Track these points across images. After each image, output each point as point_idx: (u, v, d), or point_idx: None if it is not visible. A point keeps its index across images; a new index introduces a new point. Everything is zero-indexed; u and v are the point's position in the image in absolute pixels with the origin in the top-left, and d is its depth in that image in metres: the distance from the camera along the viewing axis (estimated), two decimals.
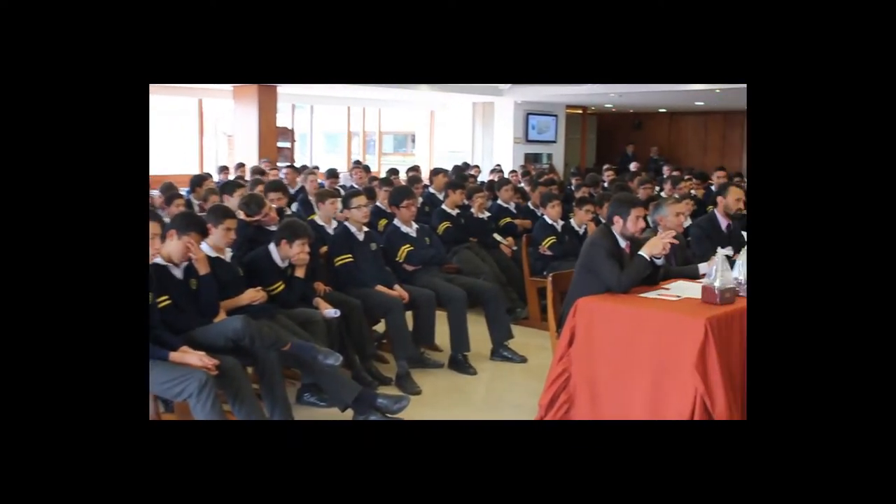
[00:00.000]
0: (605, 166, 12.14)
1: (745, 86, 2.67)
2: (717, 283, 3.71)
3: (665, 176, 10.28)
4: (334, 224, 5.57)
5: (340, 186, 9.43)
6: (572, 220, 6.51)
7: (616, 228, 4.18)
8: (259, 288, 4.27)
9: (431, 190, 8.37)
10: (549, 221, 6.40)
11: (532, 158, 15.62)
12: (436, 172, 8.82)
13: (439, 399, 4.65)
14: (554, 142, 16.22)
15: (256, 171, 9.45)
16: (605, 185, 9.65)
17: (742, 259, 3.95)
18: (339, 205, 5.52)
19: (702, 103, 15.87)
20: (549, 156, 16.18)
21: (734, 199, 5.46)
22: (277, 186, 6.27)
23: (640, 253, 4.02)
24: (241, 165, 10.87)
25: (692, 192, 8.79)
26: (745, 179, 9.73)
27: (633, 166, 13.40)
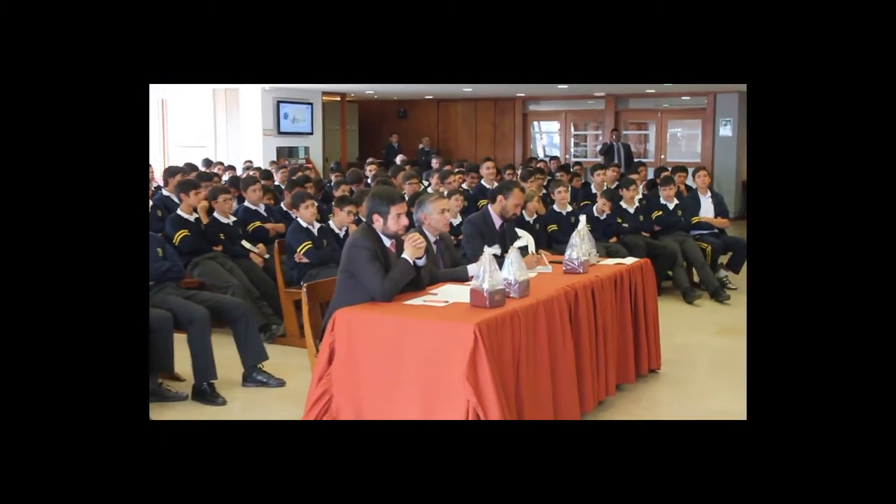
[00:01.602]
0: (369, 160, 12.32)
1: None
2: (485, 286, 3.90)
3: (434, 168, 10.63)
4: None
5: None
6: (331, 222, 6.56)
7: (377, 227, 4.28)
8: None
9: (166, 192, 8.07)
10: (304, 224, 6.41)
11: (287, 152, 15.52)
12: (171, 173, 8.52)
13: None
14: (311, 133, 16.21)
15: None
16: (369, 180, 9.81)
17: (512, 257, 4.18)
18: None
19: (470, 89, 16.56)
20: (307, 149, 16.15)
21: (514, 203, 5.73)
22: None
23: (403, 256, 4.14)
24: None
25: (463, 186, 9.17)
26: (517, 172, 10.30)
27: (398, 159, 13.70)
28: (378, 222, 4.28)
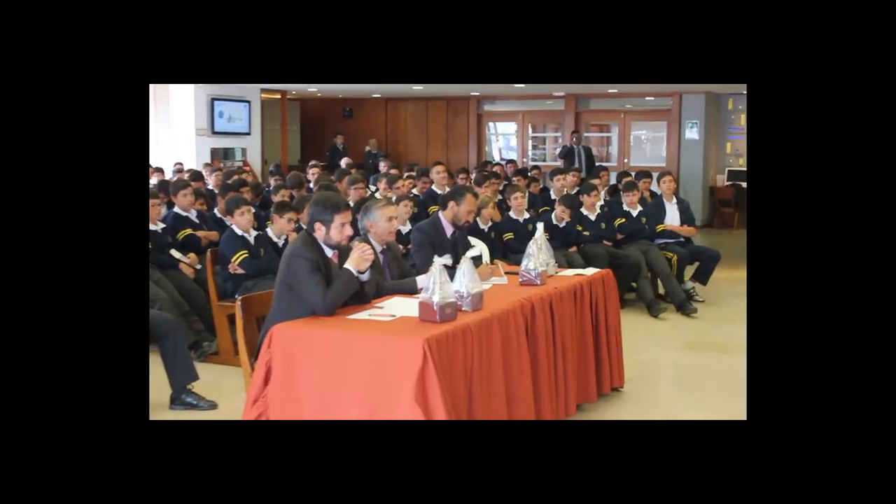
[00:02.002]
0: (312, 162, 12.28)
1: None
2: (435, 298, 3.87)
3: (381, 172, 10.60)
4: None
5: None
6: (269, 230, 6.49)
7: (319, 236, 4.22)
8: None
9: None
10: (239, 232, 6.33)
11: (222, 154, 15.37)
12: None
13: None
14: (248, 133, 16.09)
15: None
16: (311, 185, 9.75)
17: (464, 268, 4.15)
18: None
19: (421, 88, 16.57)
20: (244, 150, 16.02)
21: (467, 209, 5.69)
22: None
23: (346, 266, 4.10)
24: None
25: (413, 191, 9.15)
26: (470, 176, 10.30)
27: (343, 162, 13.65)
28: (320, 231, 4.22)
